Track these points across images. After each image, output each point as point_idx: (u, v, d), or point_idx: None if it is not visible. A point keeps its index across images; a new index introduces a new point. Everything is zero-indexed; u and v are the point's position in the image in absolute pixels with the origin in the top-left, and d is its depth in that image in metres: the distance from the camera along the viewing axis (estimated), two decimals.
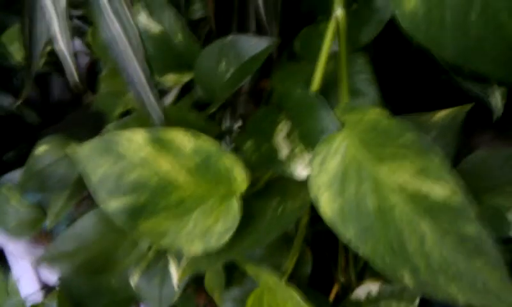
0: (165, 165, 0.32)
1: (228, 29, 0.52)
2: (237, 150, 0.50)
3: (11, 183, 0.74)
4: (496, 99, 0.31)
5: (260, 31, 0.49)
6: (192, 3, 0.56)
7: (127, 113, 0.62)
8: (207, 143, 0.32)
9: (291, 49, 0.46)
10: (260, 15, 0.48)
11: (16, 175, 0.73)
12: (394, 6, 0.29)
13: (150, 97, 0.35)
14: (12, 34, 0.61)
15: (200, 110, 0.51)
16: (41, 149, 0.64)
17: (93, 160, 0.32)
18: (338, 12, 0.34)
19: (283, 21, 0.49)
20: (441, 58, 0.29)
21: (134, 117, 0.42)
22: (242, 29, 0.51)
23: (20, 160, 0.90)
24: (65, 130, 0.85)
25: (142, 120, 0.42)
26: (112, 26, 0.35)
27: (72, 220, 0.75)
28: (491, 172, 0.33)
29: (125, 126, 0.42)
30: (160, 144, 0.32)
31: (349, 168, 0.27)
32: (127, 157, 0.32)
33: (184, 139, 0.32)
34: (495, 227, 0.32)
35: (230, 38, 0.42)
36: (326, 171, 0.28)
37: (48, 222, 0.65)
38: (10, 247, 0.75)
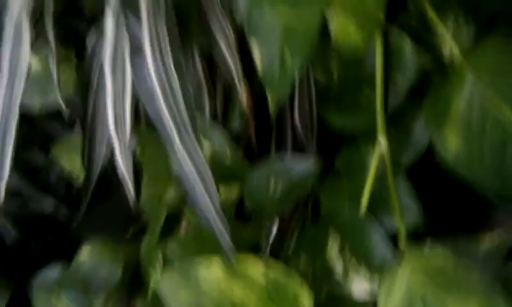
0: (238, 292, 0.36)
1: (267, 145, 0.57)
2: (277, 255, 0.54)
3: (47, 281, 0.76)
4: None
5: (298, 147, 0.54)
6: (230, 119, 0.61)
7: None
8: (275, 270, 0.36)
9: (330, 162, 0.50)
10: (297, 132, 0.53)
11: (51, 274, 0.76)
12: (439, 148, 0.34)
13: (220, 227, 0.39)
14: (63, 146, 0.66)
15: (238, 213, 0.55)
16: (85, 252, 0.67)
17: (173, 288, 0.36)
18: (382, 141, 0.39)
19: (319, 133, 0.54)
20: (480, 188, 0.33)
21: (196, 237, 0.46)
22: (280, 144, 0.56)
23: (47, 253, 0.92)
24: (96, 227, 0.88)
25: (204, 238, 0.46)
26: (184, 163, 0.40)
27: None
28: None
29: (188, 244, 0.46)
30: (234, 273, 0.36)
31: (415, 300, 0.31)
32: (204, 286, 0.36)
33: (255, 267, 0.36)
34: None
35: (278, 159, 0.47)
36: (392, 302, 0.31)
37: None
38: None
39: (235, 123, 0.62)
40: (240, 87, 0.43)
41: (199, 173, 0.40)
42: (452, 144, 0.33)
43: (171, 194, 0.66)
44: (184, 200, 0.65)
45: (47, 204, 0.81)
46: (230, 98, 0.62)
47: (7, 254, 0.83)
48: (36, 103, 0.57)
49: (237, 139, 0.61)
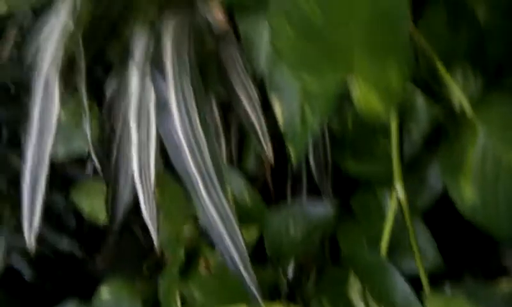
0: None
1: (282, 186, 0.58)
2: (295, 296, 0.55)
3: None
4: None
5: (313, 188, 0.56)
6: (246, 162, 0.63)
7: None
8: None
9: (344, 202, 0.52)
10: (312, 175, 0.55)
11: None
12: (455, 198, 0.36)
13: (244, 273, 0.41)
14: (82, 189, 0.68)
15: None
16: (105, 291, 0.68)
17: None
18: (399, 189, 0.41)
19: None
20: (496, 235, 0.35)
21: (217, 277, 0.48)
22: (296, 187, 0.57)
23: (62, 290, 0.93)
24: (111, 263, 0.89)
25: (225, 279, 0.48)
26: (210, 214, 0.41)
27: None
28: None
29: (208, 284, 0.48)
30: None
31: None
32: None
33: None
34: None
35: (296, 202, 0.49)
36: None
37: None
38: None
39: (251, 165, 0.63)
40: (266, 143, 0.45)
41: (225, 223, 0.41)
42: (468, 194, 0.35)
43: (188, 233, 0.67)
44: (201, 239, 0.66)
45: (63, 242, 0.82)
46: (244, 140, 0.64)
47: (24, 292, 0.84)
48: (61, 152, 0.59)
49: (252, 180, 0.63)
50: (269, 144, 0.45)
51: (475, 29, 0.41)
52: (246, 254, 0.41)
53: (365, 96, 0.30)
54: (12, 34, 0.65)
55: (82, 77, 0.44)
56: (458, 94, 0.39)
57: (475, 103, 0.39)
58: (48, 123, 0.48)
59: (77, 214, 0.96)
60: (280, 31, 0.29)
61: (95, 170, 0.73)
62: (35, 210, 0.49)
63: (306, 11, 0.28)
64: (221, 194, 0.42)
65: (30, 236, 0.49)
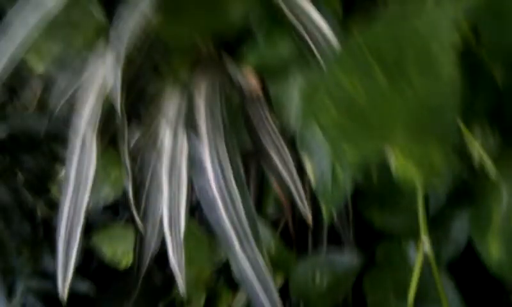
0: None
1: (305, 235, 0.60)
2: None
3: None
4: None
5: (335, 238, 0.58)
6: (265, 205, 0.65)
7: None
8: None
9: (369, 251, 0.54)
10: (334, 224, 0.56)
11: None
12: (482, 253, 0.38)
13: None
14: (104, 234, 0.69)
15: None
16: None
17: None
18: (426, 242, 0.43)
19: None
20: None
21: None
22: (317, 236, 0.59)
23: None
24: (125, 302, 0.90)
25: None
26: (243, 267, 0.43)
27: None
28: None
29: None
30: None
31: None
32: None
33: None
34: None
35: (323, 255, 0.51)
36: None
37: None
38: None
39: (270, 210, 0.65)
40: (303, 202, 0.47)
41: (259, 277, 0.43)
42: (494, 251, 0.37)
43: (209, 276, 0.68)
44: (221, 281, 0.68)
45: (78, 282, 0.83)
46: (263, 184, 0.66)
47: None
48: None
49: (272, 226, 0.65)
50: (307, 205, 0.47)
51: (493, 88, 0.43)
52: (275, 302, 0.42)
53: (403, 167, 0.32)
54: (37, 85, 0.67)
55: (122, 136, 0.46)
56: (479, 152, 0.42)
57: (495, 160, 0.41)
58: (84, 179, 0.50)
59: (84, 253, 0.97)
60: (322, 107, 0.31)
61: (114, 215, 0.75)
62: (69, 262, 0.50)
63: (349, 92, 0.30)
64: (255, 248, 0.44)
65: (63, 287, 0.50)
